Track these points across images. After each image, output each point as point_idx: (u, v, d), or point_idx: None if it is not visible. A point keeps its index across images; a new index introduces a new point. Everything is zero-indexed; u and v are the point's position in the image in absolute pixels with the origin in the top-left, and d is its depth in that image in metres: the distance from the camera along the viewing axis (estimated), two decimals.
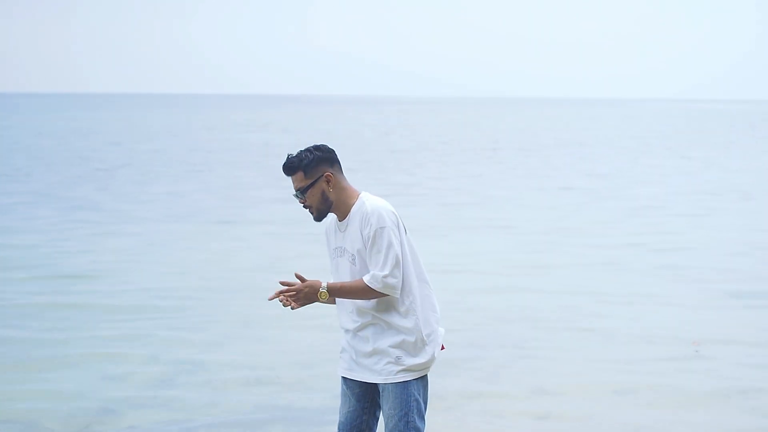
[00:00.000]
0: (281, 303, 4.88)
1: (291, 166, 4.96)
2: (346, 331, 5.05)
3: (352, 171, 31.23)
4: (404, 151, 42.74)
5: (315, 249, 15.93)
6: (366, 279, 4.83)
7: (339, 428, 5.14)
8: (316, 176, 4.93)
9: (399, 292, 4.87)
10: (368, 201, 4.92)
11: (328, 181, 4.95)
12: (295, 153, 5.00)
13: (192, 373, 9.26)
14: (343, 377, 5.13)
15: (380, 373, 4.94)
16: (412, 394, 4.93)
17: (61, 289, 12.96)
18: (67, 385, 8.89)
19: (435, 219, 20.09)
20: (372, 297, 4.86)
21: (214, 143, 49.18)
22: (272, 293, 4.93)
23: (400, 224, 4.94)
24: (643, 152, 44.51)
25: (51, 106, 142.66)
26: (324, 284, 4.86)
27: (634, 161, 38.56)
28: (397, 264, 4.84)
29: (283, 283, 4.91)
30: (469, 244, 17.15)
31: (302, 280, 4.89)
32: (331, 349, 9.90)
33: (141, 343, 10.28)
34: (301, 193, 4.95)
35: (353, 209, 4.95)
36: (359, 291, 4.86)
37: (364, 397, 5.09)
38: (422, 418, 4.95)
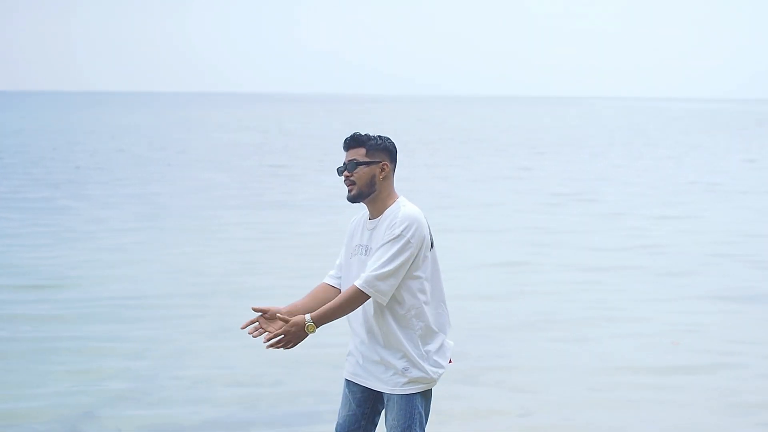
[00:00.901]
0: (251, 336, 4.85)
1: (358, 139, 4.97)
2: (355, 335, 5.04)
3: (319, 171, 31.01)
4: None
5: (290, 253, 16.12)
6: (358, 283, 4.80)
7: (336, 430, 5.16)
8: (375, 159, 4.94)
9: (386, 300, 4.84)
10: (404, 207, 4.91)
11: (382, 170, 4.95)
12: (362, 133, 5.01)
13: (174, 376, 9.29)
14: (346, 380, 5.14)
15: (387, 383, 4.95)
16: (417, 406, 4.94)
17: (35, 297, 12.73)
18: (49, 390, 8.85)
19: None
20: (359, 304, 4.84)
21: (185, 143, 48.64)
22: (246, 321, 4.87)
23: (427, 239, 4.90)
24: (620, 151, 44.41)
25: (43, 105, 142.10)
26: (307, 317, 4.77)
27: (610, 161, 38.64)
28: (394, 274, 4.79)
29: (256, 310, 4.87)
30: (445, 248, 16.77)
31: (285, 321, 4.77)
32: (311, 350, 9.97)
33: (121, 348, 10.25)
34: (354, 165, 4.92)
35: (387, 211, 4.94)
36: (346, 304, 4.82)
37: (365, 403, 5.09)
38: (423, 430, 5.00)
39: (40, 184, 26.97)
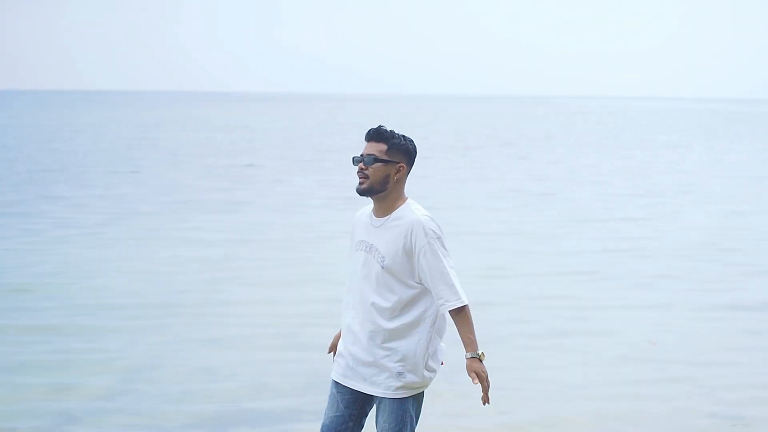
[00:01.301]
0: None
1: (382, 134, 4.95)
2: (349, 334, 5.03)
3: (289, 172, 30.80)
4: (347, 149, 42.21)
5: (262, 256, 16.07)
6: (457, 304, 4.85)
7: (322, 430, 5.14)
8: (393, 159, 4.94)
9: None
10: (418, 211, 4.95)
11: (398, 171, 4.95)
12: (388, 129, 4.99)
13: (148, 379, 9.27)
14: (334, 381, 5.13)
15: (379, 386, 4.96)
16: (408, 410, 4.97)
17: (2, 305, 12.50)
18: (21, 395, 8.80)
19: None
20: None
21: (157, 141, 48.19)
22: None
23: None
24: (590, 151, 44.47)
25: (28, 103, 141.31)
26: (470, 353, 4.85)
27: (581, 160, 38.74)
28: (456, 272, 4.91)
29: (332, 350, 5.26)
30: None
31: (471, 376, 4.85)
32: (285, 353, 10.16)
33: (94, 356, 10.15)
34: (372, 160, 4.91)
35: (396, 212, 4.95)
36: (466, 320, 4.90)
37: (353, 405, 5.08)
38: None
39: (3, 184, 26.59)
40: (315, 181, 28.81)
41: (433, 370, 5.01)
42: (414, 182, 26.96)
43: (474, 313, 5.04)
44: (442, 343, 5.08)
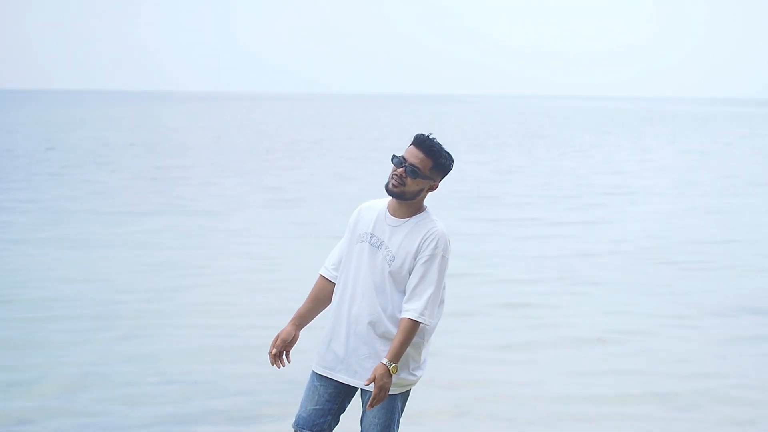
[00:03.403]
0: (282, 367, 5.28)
1: (433, 150, 5.07)
2: (342, 327, 5.10)
3: (217, 175, 30.43)
4: (279, 149, 42.04)
5: (200, 258, 16.08)
6: (414, 316, 4.94)
7: (297, 422, 5.20)
8: (432, 177, 5.09)
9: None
10: (438, 223, 5.12)
11: (431, 188, 5.12)
12: (439, 143, 5.07)
13: (99, 377, 9.29)
14: (317, 374, 5.20)
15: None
16: (397, 406, 5.11)
17: None
18: None
19: (326, 225, 19.42)
20: (416, 332, 4.98)
21: (83, 142, 47.36)
22: (270, 362, 5.23)
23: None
24: (519, 151, 44.66)
25: None
26: (386, 361, 4.91)
27: (511, 160, 38.80)
28: (440, 296, 5.06)
29: (276, 354, 5.17)
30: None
31: (372, 379, 4.91)
32: (235, 347, 10.29)
33: (41, 351, 10.19)
34: (413, 174, 5.01)
35: (416, 218, 5.10)
36: (409, 337, 4.96)
37: (335, 399, 5.18)
38: (398, 427, 5.16)
39: None
40: (245, 183, 28.64)
41: (422, 370, 5.16)
42: (348, 181, 26.79)
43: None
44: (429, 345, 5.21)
